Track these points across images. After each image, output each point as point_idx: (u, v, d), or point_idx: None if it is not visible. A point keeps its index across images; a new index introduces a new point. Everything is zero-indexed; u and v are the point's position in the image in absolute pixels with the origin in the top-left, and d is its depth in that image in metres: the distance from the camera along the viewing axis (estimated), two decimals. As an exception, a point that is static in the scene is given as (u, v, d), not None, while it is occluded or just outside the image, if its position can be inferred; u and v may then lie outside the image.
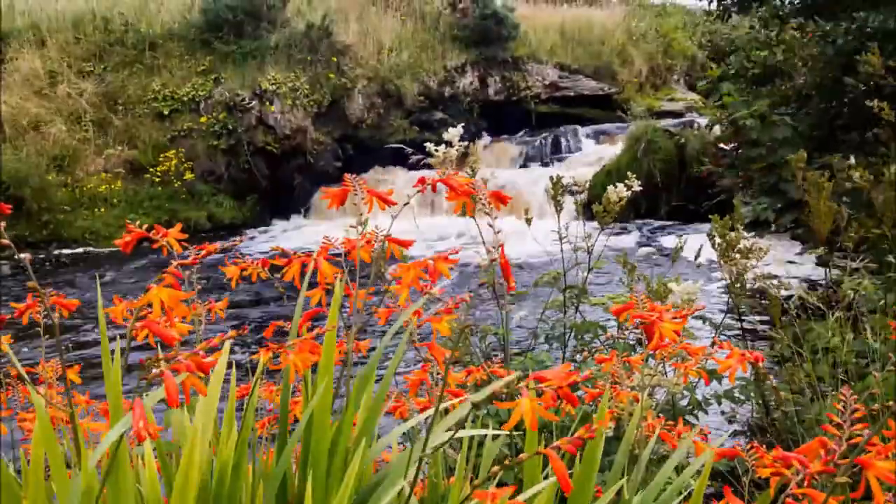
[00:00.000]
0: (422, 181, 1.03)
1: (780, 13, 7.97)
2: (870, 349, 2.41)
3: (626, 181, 2.75)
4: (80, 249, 10.27)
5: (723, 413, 2.93)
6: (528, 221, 2.76)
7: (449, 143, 2.53)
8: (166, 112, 12.04)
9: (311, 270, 1.17)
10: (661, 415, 1.97)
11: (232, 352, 1.24)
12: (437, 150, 2.54)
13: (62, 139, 11.40)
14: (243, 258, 1.29)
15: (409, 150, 2.64)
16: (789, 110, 7.62)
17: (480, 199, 0.95)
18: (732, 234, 2.61)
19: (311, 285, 1.29)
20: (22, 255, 1.02)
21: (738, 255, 2.49)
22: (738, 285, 2.56)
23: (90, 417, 1.50)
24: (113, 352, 1.13)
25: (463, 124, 3.30)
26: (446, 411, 1.16)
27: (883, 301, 2.56)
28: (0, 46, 12.22)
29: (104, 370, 1.14)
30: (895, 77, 4.72)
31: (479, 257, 2.45)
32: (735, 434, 3.02)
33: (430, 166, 2.53)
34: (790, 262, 6.97)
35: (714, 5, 8.17)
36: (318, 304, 1.24)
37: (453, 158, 2.51)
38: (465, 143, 2.58)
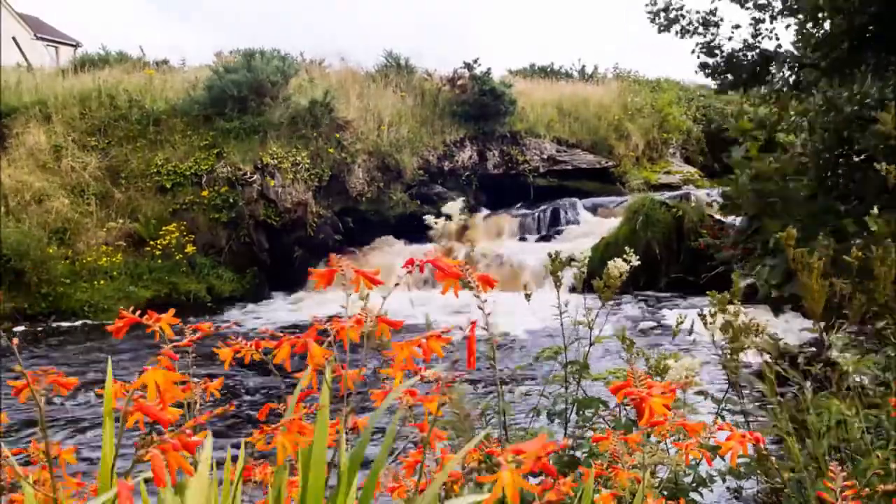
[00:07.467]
0: (410, 262, 1.04)
1: (776, 89, 8.14)
2: (873, 425, 2.38)
3: (625, 256, 2.74)
4: (79, 322, 10.23)
5: (728, 489, 2.88)
6: (528, 297, 2.76)
7: (448, 217, 2.54)
8: (168, 186, 12.19)
9: (301, 352, 1.17)
10: (663, 493, 1.93)
11: (225, 435, 1.22)
12: (436, 223, 2.54)
13: (64, 212, 11.51)
14: (237, 339, 1.29)
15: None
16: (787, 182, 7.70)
17: (469, 281, 0.95)
18: (731, 308, 2.59)
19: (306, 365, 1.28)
20: (17, 329, 1.02)
21: (735, 333, 2.48)
22: (734, 362, 2.54)
23: (83, 501, 1.47)
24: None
25: (462, 197, 3.31)
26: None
27: (884, 376, 2.53)
28: (1, 121, 12.46)
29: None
30: None
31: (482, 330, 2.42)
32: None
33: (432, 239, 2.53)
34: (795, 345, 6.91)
35: (711, 83, 8.34)
36: (310, 386, 1.23)
37: (453, 231, 2.51)
38: (465, 216, 2.57)
